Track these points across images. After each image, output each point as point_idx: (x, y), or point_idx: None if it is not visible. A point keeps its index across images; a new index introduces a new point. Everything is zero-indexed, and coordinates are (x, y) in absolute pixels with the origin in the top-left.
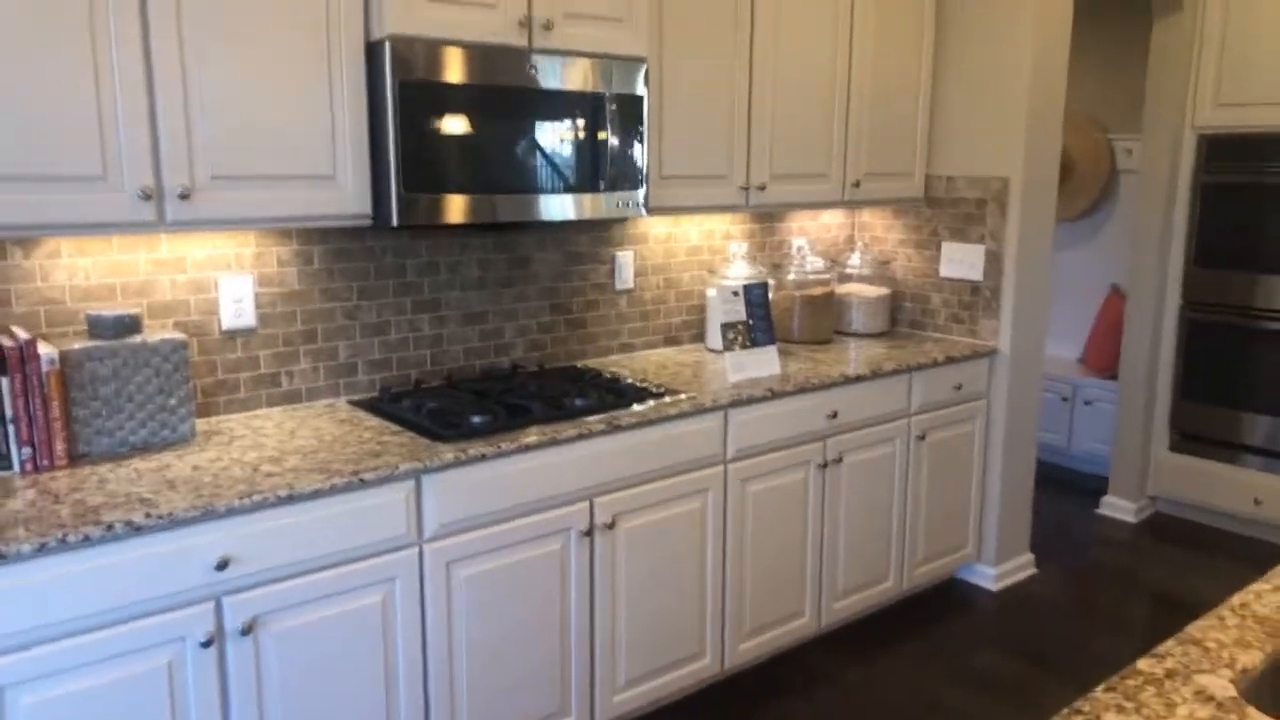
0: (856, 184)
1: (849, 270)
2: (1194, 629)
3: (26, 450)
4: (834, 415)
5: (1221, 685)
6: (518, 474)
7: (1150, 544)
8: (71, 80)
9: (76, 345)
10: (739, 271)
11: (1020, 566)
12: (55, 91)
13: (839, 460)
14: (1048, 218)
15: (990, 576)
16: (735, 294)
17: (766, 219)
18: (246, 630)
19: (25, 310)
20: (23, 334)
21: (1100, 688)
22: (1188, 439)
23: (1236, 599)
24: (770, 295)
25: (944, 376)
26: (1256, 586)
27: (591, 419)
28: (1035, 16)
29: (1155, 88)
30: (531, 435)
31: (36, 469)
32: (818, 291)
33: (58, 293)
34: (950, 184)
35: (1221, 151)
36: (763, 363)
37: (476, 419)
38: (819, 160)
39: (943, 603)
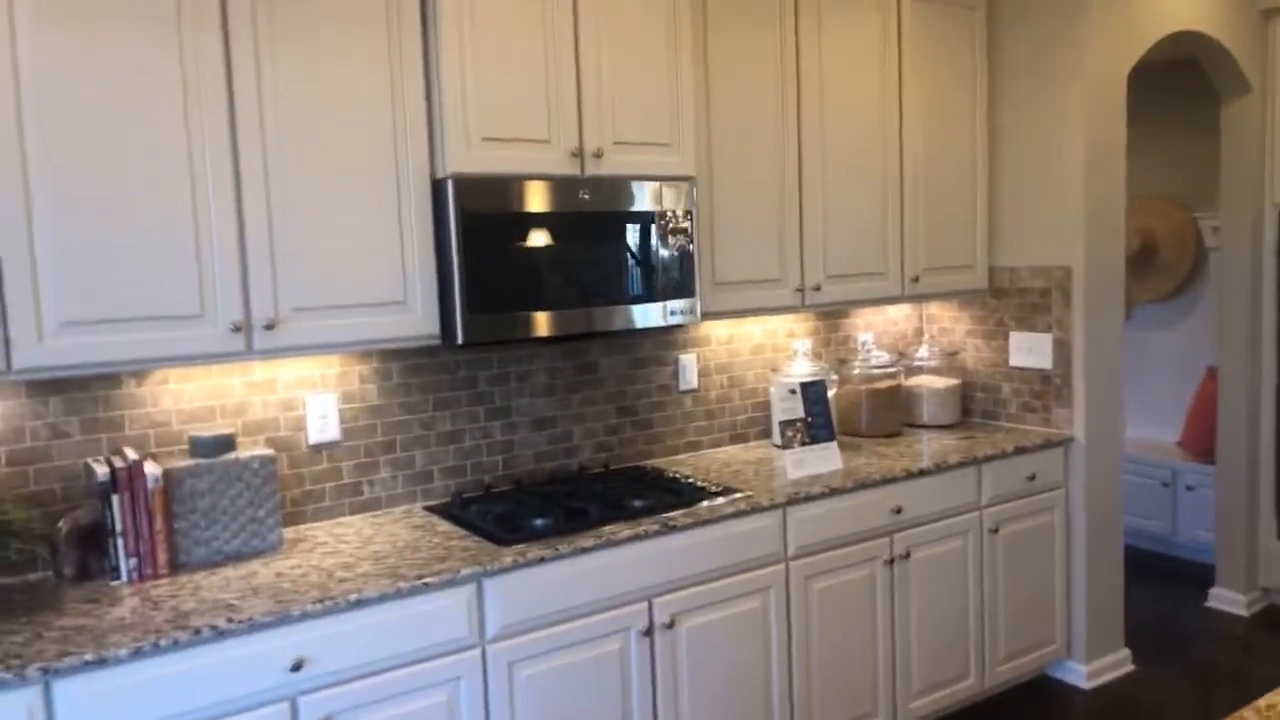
0: (915, 279)
1: (917, 362)
2: None
3: (133, 561)
4: (898, 510)
5: None
6: (576, 575)
7: (1262, 639)
8: (175, 233)
9: (178, 464)
10: (801, 368)
11: (1116, 663)
12: (161, 245)
13: (906, 556)
14: (1115, 304)
15: (1082, 674)
16: (793, 392)
17: (830, 315)
18: None
19: (137, 433)
20: (132, 454)
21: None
22: None
23: (1264, 702)
24: (835, 390)
25: (1015, 467)
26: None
27: (647, 521)
28: (1089, 103)
29: (1231, 166)
30: (588, 538)
31: (141, 578)
32: (884, 385)
33: (165, 416)
34: (1014, 274)
35: None
36: (823, 459)
37: (538, 522)
38: (874, 258)
39: (1031, 702)
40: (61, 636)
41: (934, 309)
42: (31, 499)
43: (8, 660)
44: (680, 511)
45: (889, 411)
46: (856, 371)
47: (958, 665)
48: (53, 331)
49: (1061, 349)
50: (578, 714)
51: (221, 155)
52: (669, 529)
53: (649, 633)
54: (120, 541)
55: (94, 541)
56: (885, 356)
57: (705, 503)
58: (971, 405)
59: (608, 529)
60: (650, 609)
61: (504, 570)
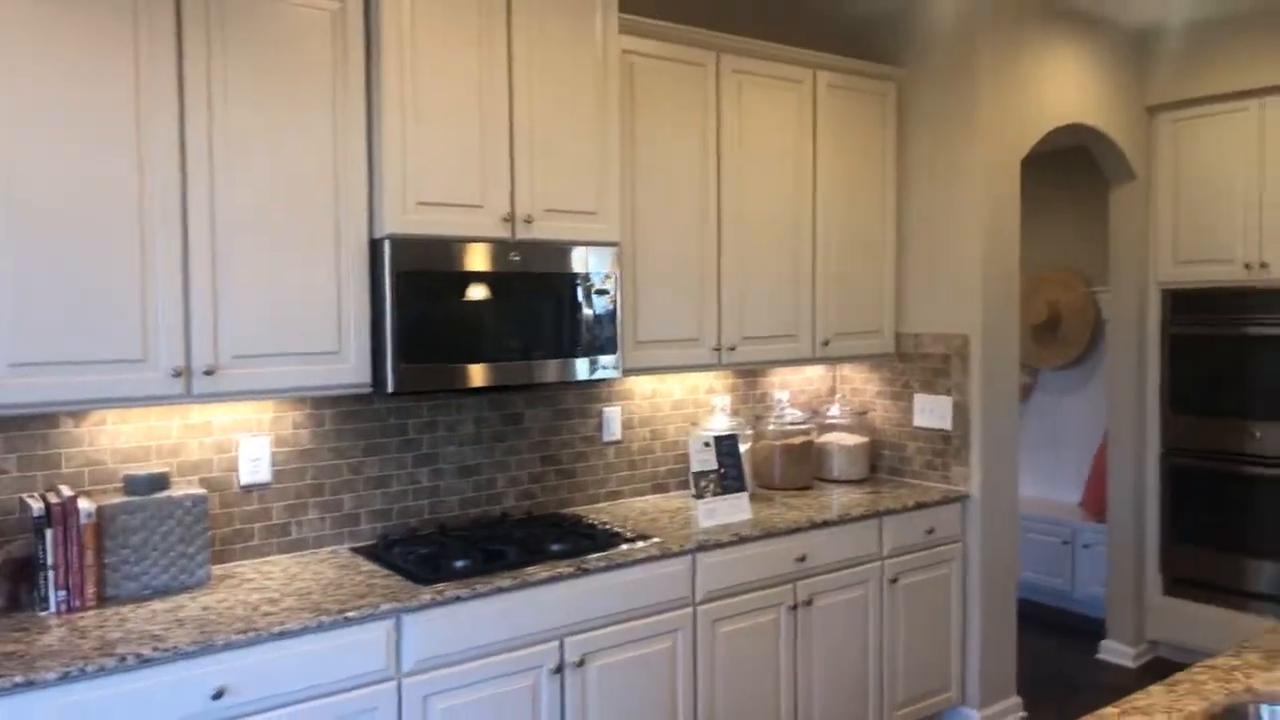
0: (826, 342)
1: (829, 420)
2: None
3: (61, 593)
4: (802, 559)
5: None
6: (491, 614)
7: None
8: (122, 282)
9: (112, 500)
10: (720, 423)
11: (1007, 710)
12: (108, 293)
13: (809, 602)
14: (1010, 370)
15: None
16: (707, 445)
17: (749, 374)
18: None
19: (73, 470)
20: (67, 491)
21: None
22: (1180, 583)
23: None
24: (752, 445)
25: (914, 521)
26: (1107, 711)
27: (562, 563)
28: (983, 188)
29: (1119, 246)
30: (505, 578)
31: (70, 610)
32: (797, 441)
33: (101, 455)
34: (918, 340)
35: (1184, 304)
36: (734, 509)
37: (458, 564)
38: (788, 322)
39: None
40: None
41: (847, 370)
42: None
43: None
44: (595, 555)
45: (801, 466)
46: (771, 427)
47: (857, 709)
48: (3, 372)
49: (960, 411)
50: None
51: (171, 210)
52: (583, 571)
53: (559, 670)
54: (51, 574)
55: (26, 574)
56: (799, 414)
57: (620, 547)
58: (880, 462)
59: (524, 570)
60: (561, 648)
61: (422, 607)
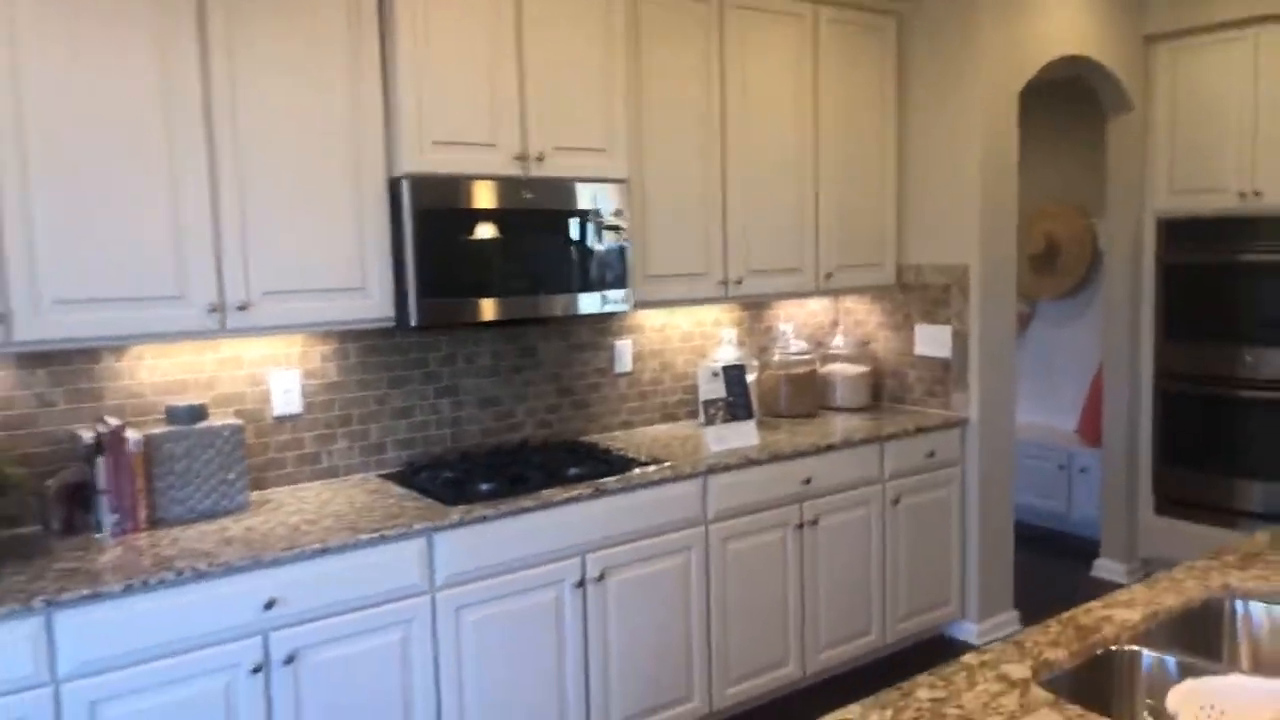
0: (829, 275)
1: (833, 351)
2: (1021, 633)
3: (115, 516)
4: (808, 481)
5: (1020, 670)
6: (516, 532)
7: None
8: (157, 222)
9: (156, 430)
10: (727, 355)
11: (1004, 623)
12: (145, 232)
13: (815, 522)
14: (1008, 299)
15: (974, 632)
16: (715, 374)
17: (754, 307)
18: (288, 660)
19: (116, 403)
20: (114, 421)
21: (923, 674)
22: (1171, 503)
23: (1067, 614)
24: (757, 375)
25: (915, 445)
26: (1091, 604)
27: (580, 485)
28: (981, 118)
29: (1115, 177)
30: (527, 500)
31: (124, 531)
32: (801, 371)
33: (141, 388)
34: (919, 271)
35: (1179, 233)
36: (742, 434)
37: (483, 486)
38: (792, 255)
39: (928, 657)
40: (59, 576)
41: (849, 302)
42: (23, 460)
43: (13, 595)
44: (611, 478)
45: (805, 395)
46: (776, 358)
47: (861, 622)
48: (47, 308)
49: (959, 339)
50: (518, 655)
51: (198, 153)
52: (600, 493)
53: (581, 584)
54: (104, 499)
55: (79, 499)
56: (803, 345)
57: (634, 471)
58: (882, 391)
59: (546, 492)
60: (583, 563)
61: (451, 526)
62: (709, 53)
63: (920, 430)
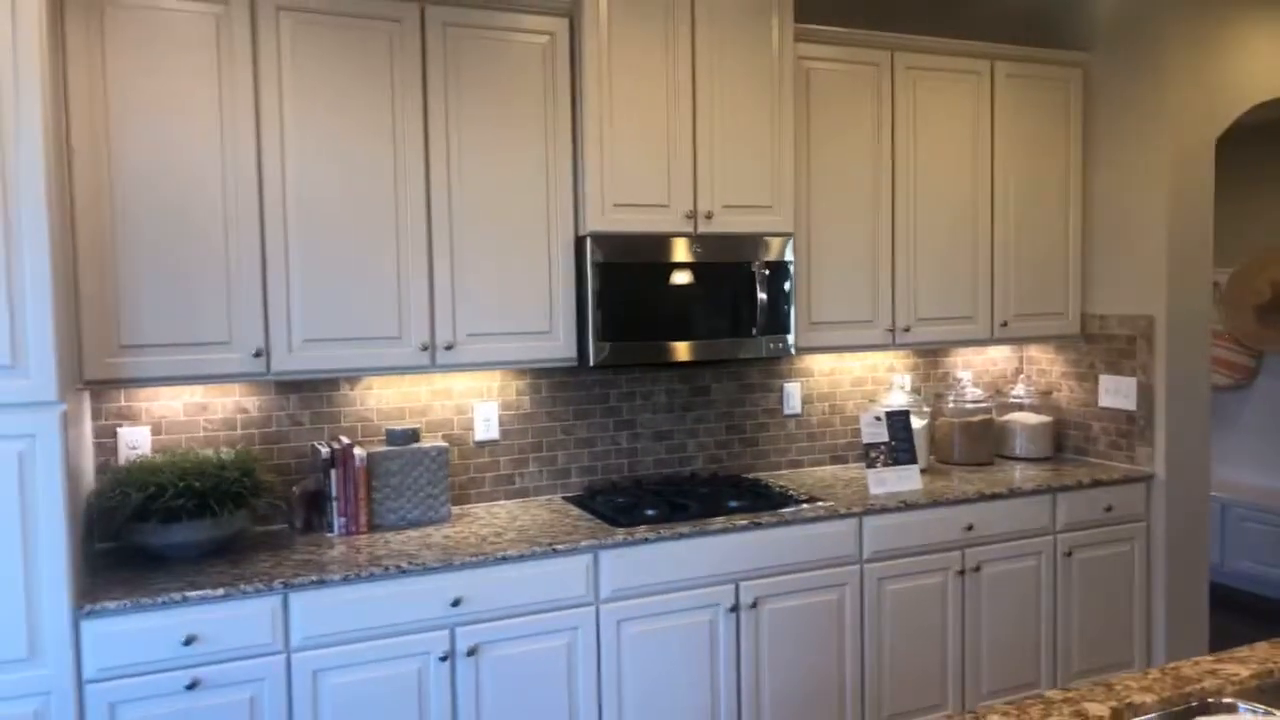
0: (1004, 324)
1: (1013, 399)
2: (1113, 677)
3: (342, 520)
4: (969, 528)
5: (1099, 709)
6: (675, 556)
7: None
8: (382, 276)
9: (378, 449)
10: (897, 400)
11: None
12: (373, 285)
13: (977, 569)
14: (1199, 353)
15: None
16: (878, 419)
17: (931, 354)
18: (471, 652)
19: (349, 424)
20: (345, 440)
21: (999, 700)
22: None
23: (1173, 663)
24: (931, 422)
25: (1091, 499)
26: (1202, 658)
27: (738, 516)
28: (1170, 167)
29: None
30: (686, 526)
31: (348, 533)
32: (976, 419)
33: (369, 413)
34: (1104, 321)
35: None
36: (904, 479)
37: (648, 512)
38: (963, 304)
39: None
40: (295, 565)
41: (1033, 351)
42: (276, 469)
43: (260, 577)
44: (767, 512)
45: (980, 443)
46: (951, 405)
47: (1029, 673)
48: (298, 345)
49: (1145, 392)
50: (674, 669)
51: (419, 218)
52: (756, 525)
53: (735, 610)
54: (334, 504)
55: (316, 503)
56: (979, 393)
57: (791, 507)
58: (1065, 441)
59: (704, 521)
60: (737, 590)
61: (616, 545)
62: (879, 109)
63: (1097, 483)
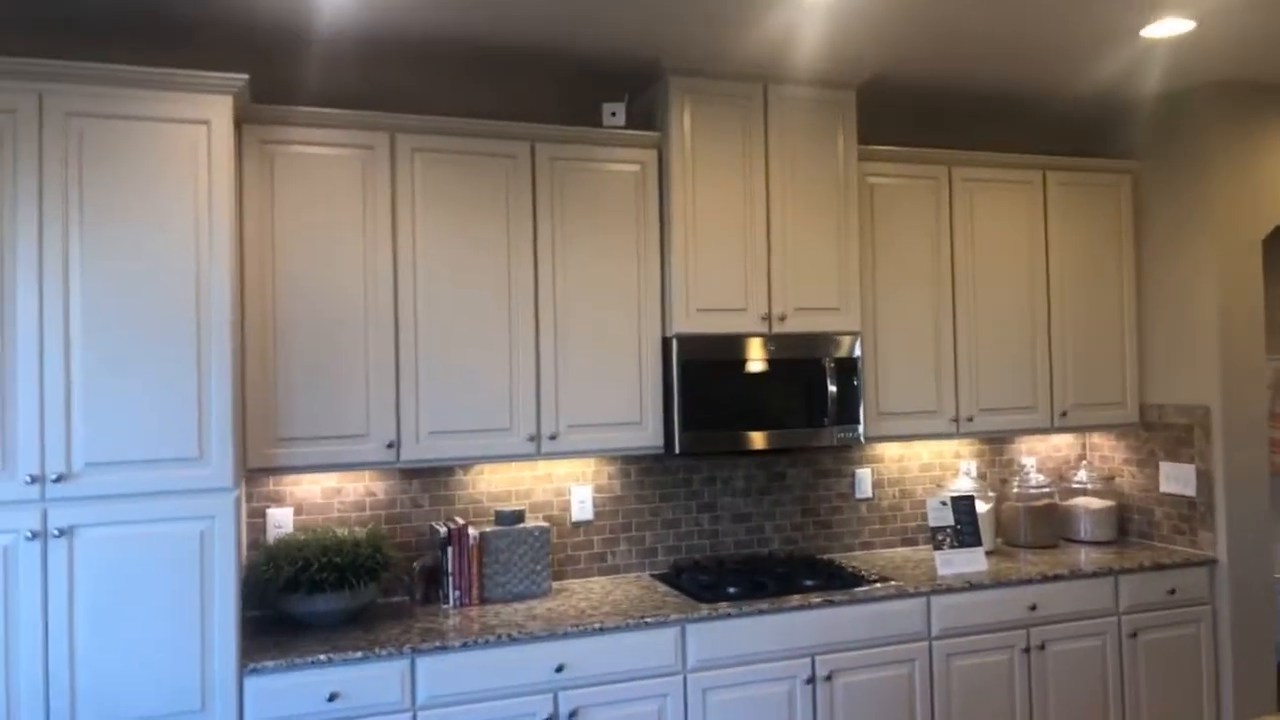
0: (1064, 414)
1: (1076, 484)
2: None
3: (457, 592)
4: (1033, 607)
5: None
6: (754, 630)
7: None
8: (495, 376)
9: (487, 529)
10: (963, 485)
11: None
12: (488, 382)
13: (1042, 647)
14: (1258, 440)
15: None
16: (944, 504)
17: (996, 441)
18: (572, 715)
19: (462, 506)
20: (460, 520)
21: None
22: None
23: None
24: (995, 506)
25: (1153, 581)
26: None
27: (813, 595)
28: (1218, 264)
29: None
30: (764, 603)
31: (463, 605)
32: (1040, 503)
33: (479, 496)
34: (1161, 410)
35: None
36: (970, 560)
37: (730, 589)
38: (1024, 394)
39: None
40: (419, 633)
41: (1095, 439)
42: (398, 546)
43: (391, 642)
44: (839, 591)
45: (1045, 526)
46: (1015, 490)
47: None
48: (423, 437)
49: (1204, 478)
50: None
51: (528, 324)
52: (829, 603)
53: (811, 681)
54: (450, 579)
55: (434, 578)
56: (1042, 478)
57: (863, 586)
58: (1129, 525)
59: (782, 598)
60: (813, 663)
61: (701, 619)
62: (939, 217)
63: (1159, 567)
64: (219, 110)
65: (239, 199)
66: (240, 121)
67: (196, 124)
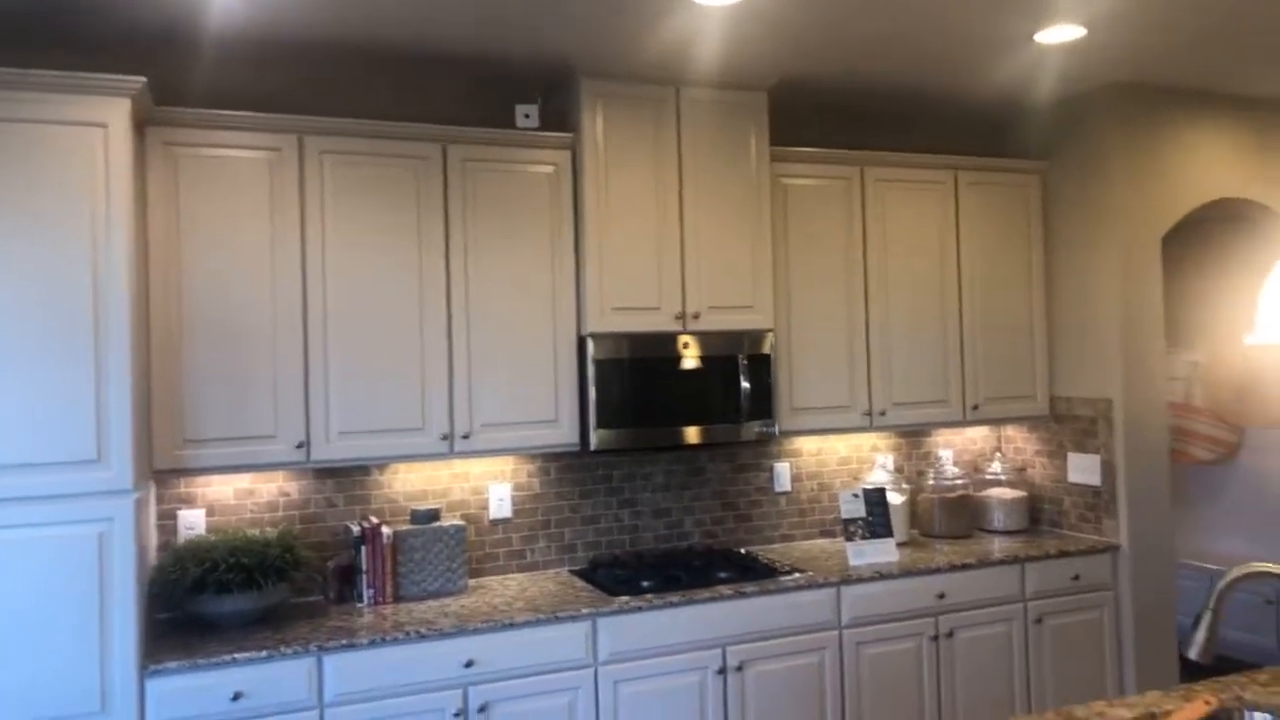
0: (975, 407)
1: (989, 476)
2: (1012, 717)
3: (370, 591)
4: (942, 596)
5: None
6: (666, 623)
7: None
8: (407, 375)
9: (402, 527)
10: (879, 478)
11: None
12: (399, 381)
13: (950, 634)
14: (1157, 431)
15: None
16: (855, 496)
17: (913, 434)
18: (482, 709)
19: (377, 506)
20: (374, 520)
21: None
22: None
23: (1067, 707)
24: (910, 498)
25: (1058, 568)
26: (1097, 702)
27: (723, 587)
28: (1119, 264)
29: None
30: (675, 596)
31: (375, 603)
32: (954, 495)
33: (395, 495)
34: (1069, 403)
35: None
36: (881, 551)
37: (644, 583)
38: (935, 389)
39: None
40: (329, 631)
41: (1010, 431)
42: (313, 546)
43: (298, 641)
44: (751, 582)
45: (959, 517)
46: (931, 482)
47: None
48: (334, 437)
49: (1108, 468)
50: None
51: (439, 324)
52: (740, 595)
53: (723, 672)
54: (364, 578)
55: (348, 577)
56: (956, 470)
57: (775, 578)
58: (1040, 515)
59: (693, 591)
60: (724, 654)
61: (612, 613)
62: (851, 216)
63: (1063, 554)
64: (116, 113)
65: (143, 201)
66: (143, 124)
67: (94, 126)
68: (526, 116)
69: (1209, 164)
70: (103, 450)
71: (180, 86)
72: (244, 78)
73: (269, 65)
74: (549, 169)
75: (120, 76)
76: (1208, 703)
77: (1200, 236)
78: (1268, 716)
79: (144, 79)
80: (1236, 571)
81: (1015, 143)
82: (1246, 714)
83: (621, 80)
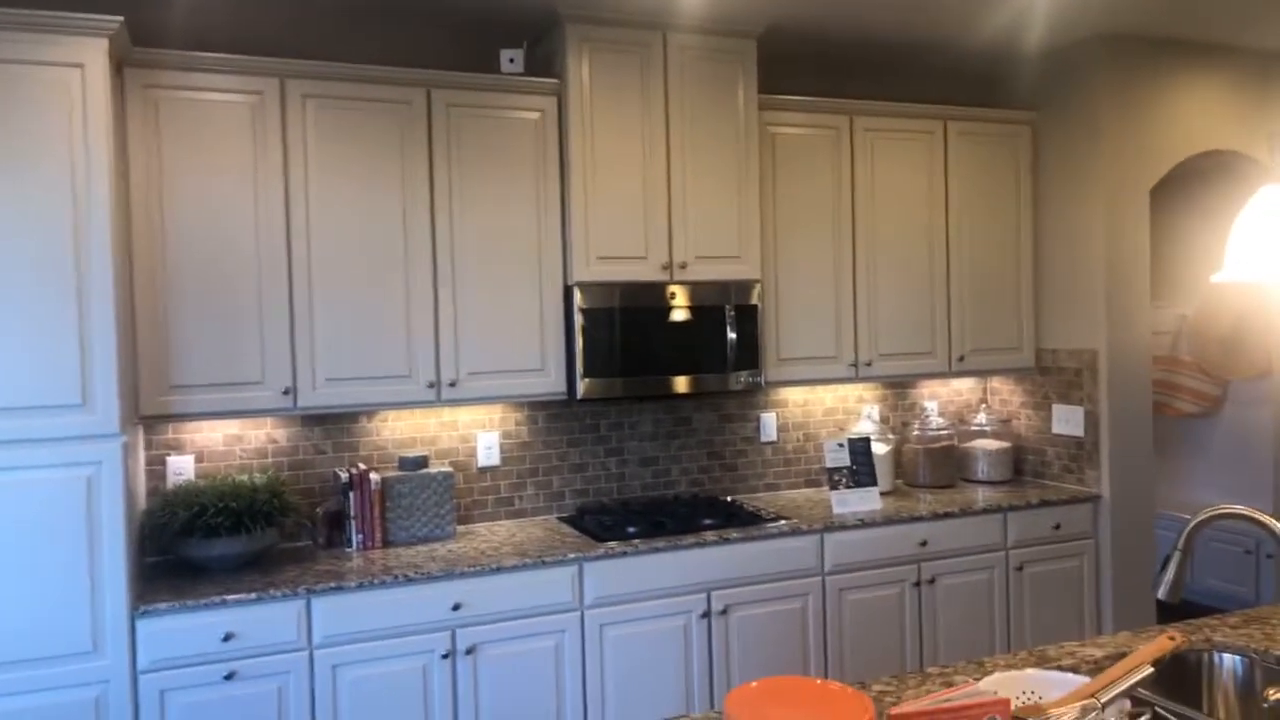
0: (961, 358)
1: (974, 427)
2: (987, 657)
3: (360, 536)
4: (924, 543)
5: (962, 679)
6: (651, 568)
7: None
8: (394, 322)
9: (391, 474)
10: (864, 428)
11: None
12: (386, 329)
13: (932, 581)
14: (1140, 383)
15: None
16: (840, 445)
17: (899, 385)
18: (469, 651)
19: (366, 453)
20: (363, 466)
21: (886, 677)
22: None
23: (1041, 646)
24: (896, 447)
25: (1039, 517)
26: (1070, 643)
27: (707, 534)
28: (1105, 216)
29: None
30: (660, 542)
31: (365, 548)
32: (939, 445)
33: (384, 442)
34: (1055, 355)
35: None
36: (865, 499)
37: (630, 529)
38: (922, 340)
39: None
40: (317, 574)
41: (996, 382)
42: (302, 492)
43: (287, 583)
44: (735, 529)
45: (943, 467)
46: (916, 433)
47: None
48: (320, 384)
49: (1091, 419)
50: (650, 668)
51: (425, 270)
52: (724, 540)
53: (706, 615)
54: (353, 523)
55: (337, 522)
56: (942, 421)
57: (760, 524)
58: (1024, 466)
59: (678, 537)
60: (709, 599)
61: (598, 557)
62: (840, 166)
63: (1045, 503)
64: (93, 53)
65: (123, 145)
66: (121, 66)
67: (70, 67)
68: (511, 61)
69: (1198, 115)
70: (88, 395)
71: (160, 28)
72: (224, 20)
73: (250, 8)
74: (534, 115)
75: (97, 16)
76: (1172, 638)
77: (1190, 191)
78: (1236, 658)
79: (121, 19)
80: (1206, 513)
81: (1004, 94)
82: (1216, 655)
83: (607, 25)
